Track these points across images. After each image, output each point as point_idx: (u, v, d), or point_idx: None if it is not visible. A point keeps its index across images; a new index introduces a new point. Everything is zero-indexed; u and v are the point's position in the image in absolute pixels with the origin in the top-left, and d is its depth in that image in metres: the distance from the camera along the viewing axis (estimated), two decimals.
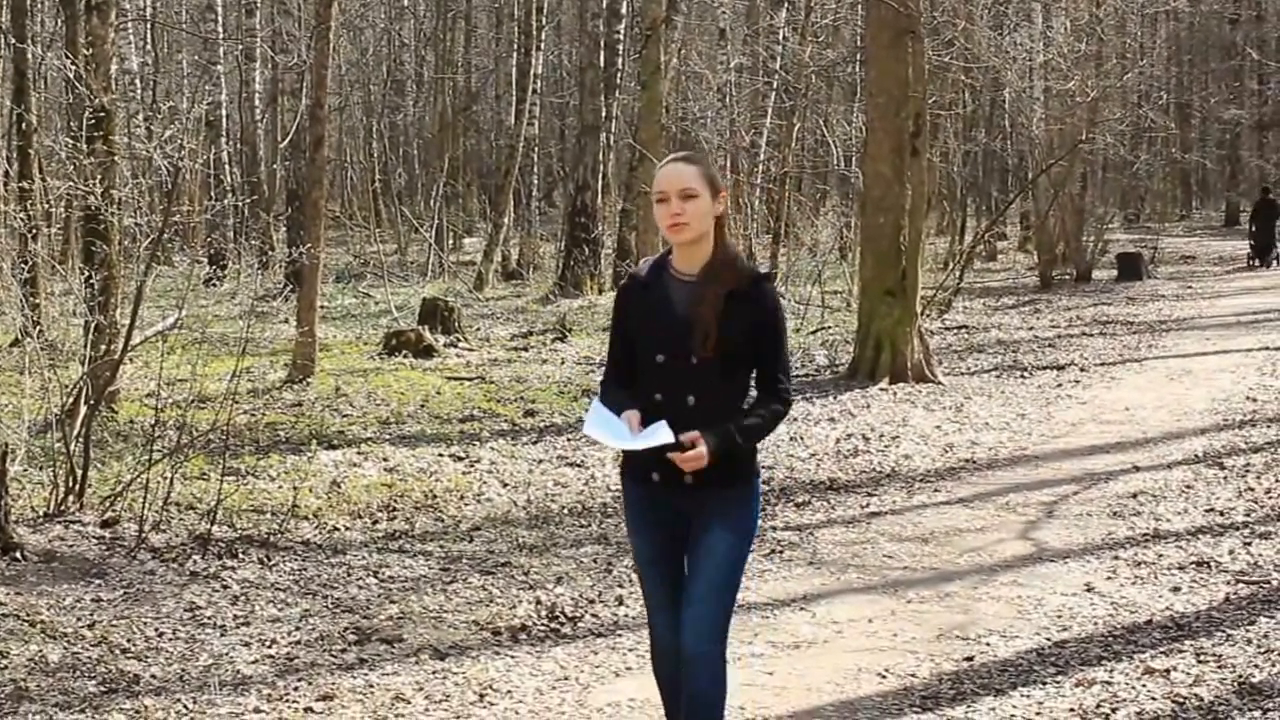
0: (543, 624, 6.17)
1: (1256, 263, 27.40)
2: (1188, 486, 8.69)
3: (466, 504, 8.41)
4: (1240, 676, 5.36)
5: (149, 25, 27.04)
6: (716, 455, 3.85)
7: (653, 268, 4.11)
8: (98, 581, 6.58)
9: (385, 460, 9.36)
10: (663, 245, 4.14)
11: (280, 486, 8.50)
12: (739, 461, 3.99)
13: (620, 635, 6.02)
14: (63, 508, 7.55)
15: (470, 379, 13.07)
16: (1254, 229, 28.06)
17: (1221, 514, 7.99)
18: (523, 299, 21.06)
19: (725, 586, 4.01)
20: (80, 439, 7.83)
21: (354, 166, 35.38)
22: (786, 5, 23.38)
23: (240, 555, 7.07)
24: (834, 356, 14.40)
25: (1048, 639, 5.91)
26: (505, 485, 8.90)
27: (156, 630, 5.96)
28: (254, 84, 26.18)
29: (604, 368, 4.26)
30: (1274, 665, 5.46)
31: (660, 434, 3.87)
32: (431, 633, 6.05)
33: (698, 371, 3.92)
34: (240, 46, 25.44)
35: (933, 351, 13.50)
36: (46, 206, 13.18)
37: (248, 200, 21.25)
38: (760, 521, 4.12)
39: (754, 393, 4.04)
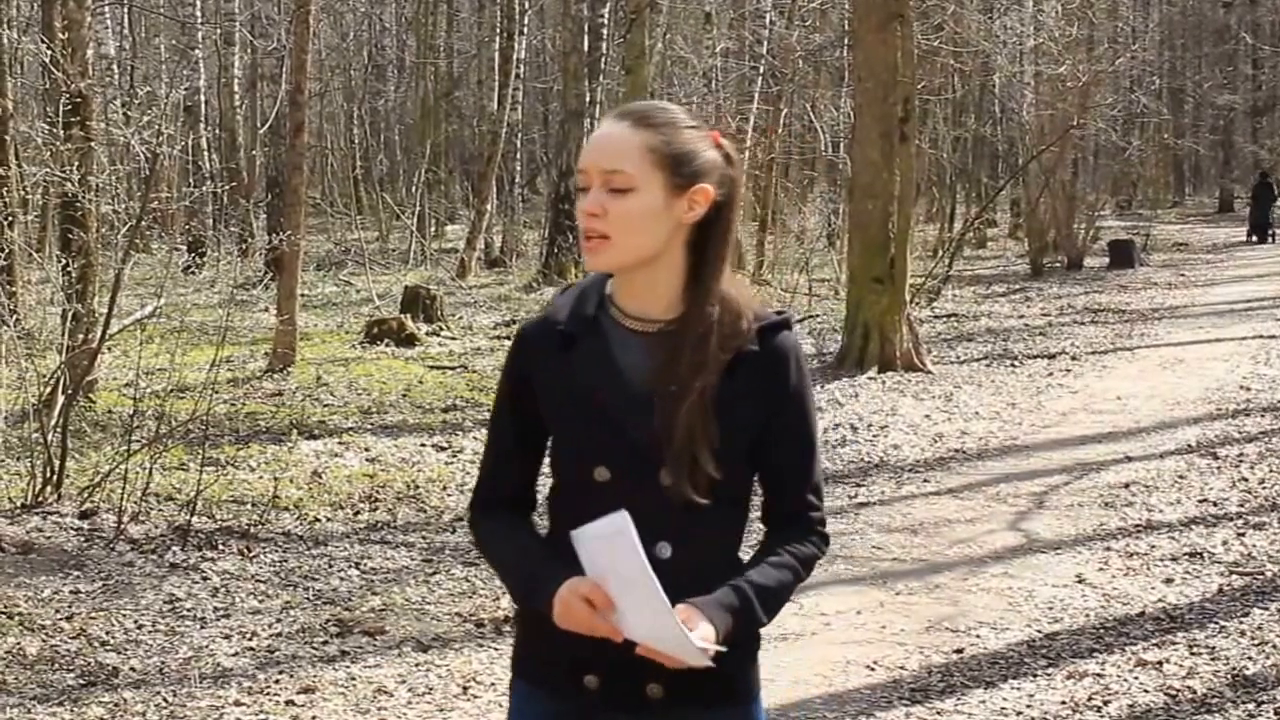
0: None
1: (1254, 239, 29.83)
2: (1180, 476, 8.63)
3: (449, 494, 8.33)
4: (1234, 669, 5.32)
5: (126, 9, 26.81)
6: (727, 642, 2.18)
7: (577, 302, 2.32)
8: (76, 573, 6.51)
9: (367, 450, 9.28)
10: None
11: (260, 477, 8.42)
12: (742, 654, 2.27)
13: None
14: (40, 499, 7.47)
15: (453, 368, 12.97)
16: (1252, 209, 30.63)
17: (1215, 504, 7.94)
18: (506, 287, 20.93)
19: None
20: (58, 429, 7.74)
21: (334, 153, 35.16)
22: None
23: (220, 547, 6.99)
24: (821, 345, 14.33)
25: (1038, 631, 5.85)
26: None
27: (135, 622, 5.90)
28: (233, 69, 25.97)
29: (479, 480, 2.44)
30: (1267, 657, 5.42)
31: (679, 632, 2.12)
32: (414, 625, 5.99)
33: (674, 503, 2.21)
34: (219, 31, 25.21)
35: (922, 340, 13.43)
36: (23, 193, 13.07)
37: (227, 187, 21.13)
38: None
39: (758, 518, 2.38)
